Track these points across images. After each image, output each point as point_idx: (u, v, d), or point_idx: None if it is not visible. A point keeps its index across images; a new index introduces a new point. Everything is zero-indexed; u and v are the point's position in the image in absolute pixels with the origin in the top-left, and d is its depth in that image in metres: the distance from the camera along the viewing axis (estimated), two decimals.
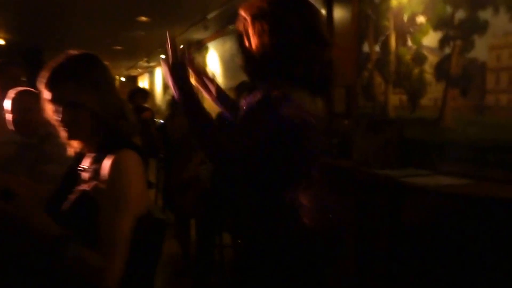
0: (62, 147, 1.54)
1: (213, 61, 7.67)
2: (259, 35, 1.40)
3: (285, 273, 1.38)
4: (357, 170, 3.07)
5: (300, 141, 1.36)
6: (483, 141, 2.66)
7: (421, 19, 3.13)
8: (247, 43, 1.45)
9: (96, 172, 1.38)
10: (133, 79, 18.44)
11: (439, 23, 2.97)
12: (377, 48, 3.60)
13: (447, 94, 2.92)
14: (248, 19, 1.43)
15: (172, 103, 4.45)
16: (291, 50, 1.37)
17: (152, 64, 12.35)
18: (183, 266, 4.11)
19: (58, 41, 7.99)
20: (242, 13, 1.46)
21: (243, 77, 1.63)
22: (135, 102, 6.35)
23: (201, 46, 7.71)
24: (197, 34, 7.23)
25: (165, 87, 11.48)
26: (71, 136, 1.42)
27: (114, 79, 1.50)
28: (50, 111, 1.40)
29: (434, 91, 3.03)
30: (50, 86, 1.38)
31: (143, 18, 6.21)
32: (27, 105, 2.30)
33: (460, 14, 2.80)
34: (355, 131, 3.51)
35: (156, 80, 13.80)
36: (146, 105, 6.75)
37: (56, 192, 1.53)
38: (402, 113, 3.33)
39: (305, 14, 1.41)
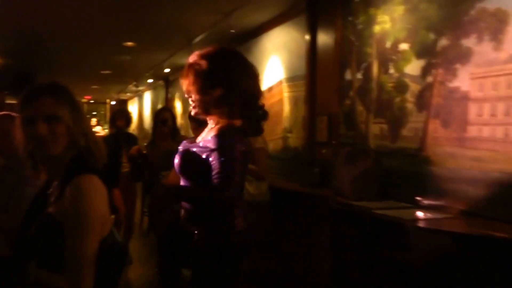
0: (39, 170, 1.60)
1: None
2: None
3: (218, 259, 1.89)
4: (332, 199, 2.91)
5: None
6: (463, 173, 2.52)
7: (404, 46, 3.03)
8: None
9: (60, 195, 1.43)
10: (123, 103, 18.45)
11: (421, 51, 2.87)
12: (359, 75, 3.49)
13: (428, 124, 2.80)
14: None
15: (154, 130, 4.41)
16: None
17: (140, 88, 12.29)
18: None
19: (49, 66, 8.17)
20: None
21: None
22: (117, 125, 5.44)
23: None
24: (183, 59, 7.17)
25: (154, 111, 11.39)
26: (48, 150, 1.44)
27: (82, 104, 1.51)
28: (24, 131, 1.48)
29: (415, 121, 2.91)
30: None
31: (129, 43, 6.29)
32: (6, 128, 2.37)
33: (443, 42, 2.71)
34: (335, 160, 3.37)
35: (144, 104, 13.74)
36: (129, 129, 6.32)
37: (25, 215, 1.60)
38: (382, 142, 3.20)
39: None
